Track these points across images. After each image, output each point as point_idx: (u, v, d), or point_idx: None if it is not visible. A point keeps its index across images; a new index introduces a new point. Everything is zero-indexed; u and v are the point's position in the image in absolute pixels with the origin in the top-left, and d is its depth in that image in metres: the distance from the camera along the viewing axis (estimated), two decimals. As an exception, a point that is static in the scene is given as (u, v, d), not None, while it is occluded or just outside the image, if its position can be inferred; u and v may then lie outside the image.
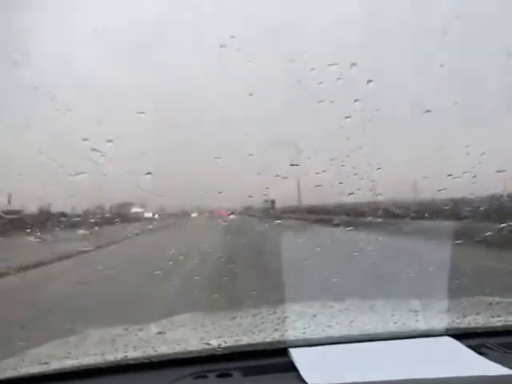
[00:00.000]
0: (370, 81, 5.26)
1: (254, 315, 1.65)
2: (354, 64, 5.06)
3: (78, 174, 5.39)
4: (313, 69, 5.60)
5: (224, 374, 1.17)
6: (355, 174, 6.37)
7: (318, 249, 7.91)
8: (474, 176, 5.45)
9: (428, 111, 6.04)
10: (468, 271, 5.00)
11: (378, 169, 6.28)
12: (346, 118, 5.51)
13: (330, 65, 5.17)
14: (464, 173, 5.57)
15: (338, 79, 5.22)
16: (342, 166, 6.51)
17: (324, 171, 6.47)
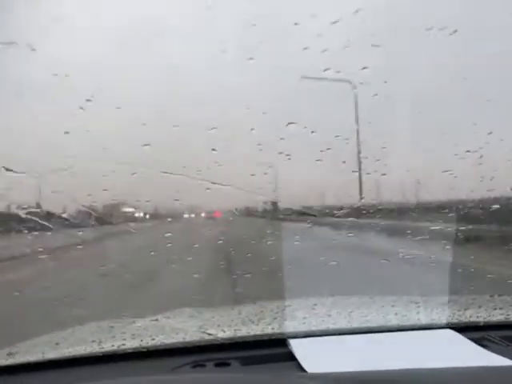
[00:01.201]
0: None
1: (253, 305, 1.66)
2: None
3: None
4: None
5: (222, 364, 1.18)
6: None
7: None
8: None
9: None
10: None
11: (383, 174, 6.36)
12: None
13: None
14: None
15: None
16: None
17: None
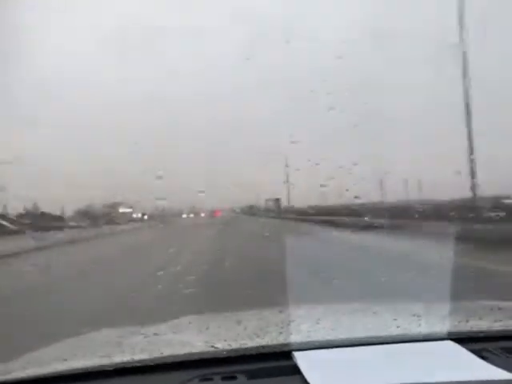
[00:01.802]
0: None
1: (258, 318, 1.70)
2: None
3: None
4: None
5: (229, 377, 1.21)
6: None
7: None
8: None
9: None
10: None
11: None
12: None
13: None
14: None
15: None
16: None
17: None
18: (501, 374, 1.14)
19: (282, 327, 1.53)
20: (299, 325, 1.57)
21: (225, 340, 1.40)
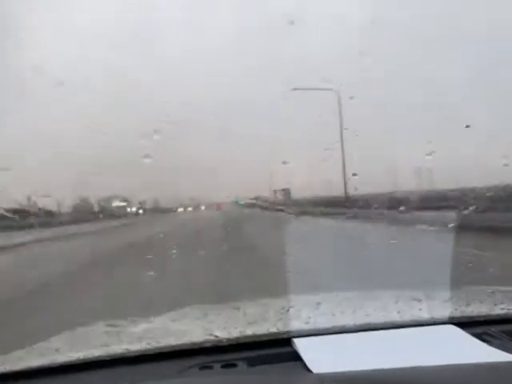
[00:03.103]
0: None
1: (258, 305, 1.72)
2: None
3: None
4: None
5: (229, 365, 1.23)
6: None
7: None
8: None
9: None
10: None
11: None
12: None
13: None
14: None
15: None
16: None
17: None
18: (502, 355, 1.17)
19: (281, 314, 1.55)
20: (299, 311, 1.59)
21: (224, 328, 1.42)
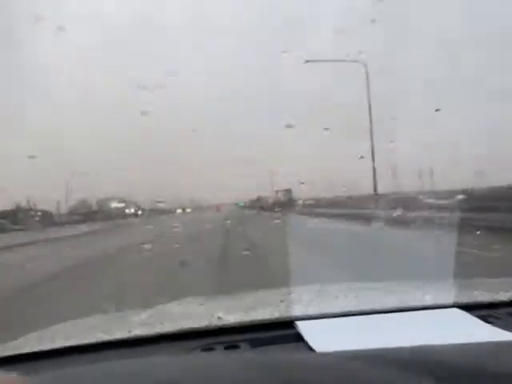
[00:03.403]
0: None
1: (260, 293, 1.71)
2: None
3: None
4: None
5: (231, 346, 1.23)
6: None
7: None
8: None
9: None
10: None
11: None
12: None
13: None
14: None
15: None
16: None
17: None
18: (507, 335, 1.17)
19: (284, 297, 1.55)
20: (301, 295, 1.59)
21: (227, 311, 1.42)
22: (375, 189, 19.61)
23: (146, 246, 12.11)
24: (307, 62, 17.17)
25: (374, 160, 18.13)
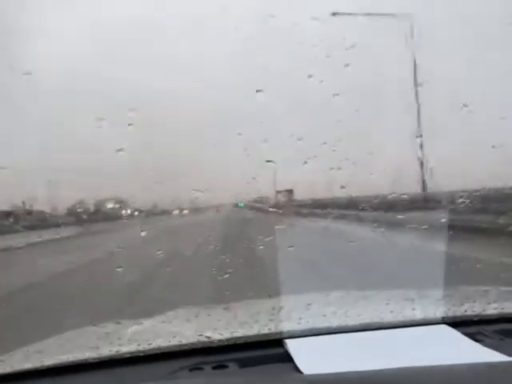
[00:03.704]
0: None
1: (248, 306, 1.71)
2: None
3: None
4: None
5: (220, 366, 1.23)
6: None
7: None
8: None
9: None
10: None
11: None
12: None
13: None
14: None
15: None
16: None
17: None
18: (495, 356, 1.17)
19: (272, 314, 1.55)
20: (290, 312, 1.59)
21: (215, 329, 1.41)
22: (424, 187, 15.43)
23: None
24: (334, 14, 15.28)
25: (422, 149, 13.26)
